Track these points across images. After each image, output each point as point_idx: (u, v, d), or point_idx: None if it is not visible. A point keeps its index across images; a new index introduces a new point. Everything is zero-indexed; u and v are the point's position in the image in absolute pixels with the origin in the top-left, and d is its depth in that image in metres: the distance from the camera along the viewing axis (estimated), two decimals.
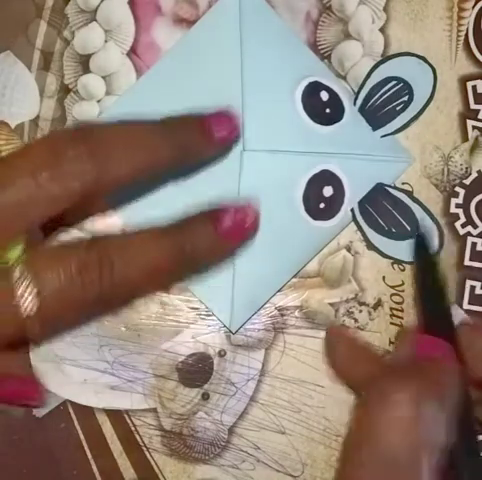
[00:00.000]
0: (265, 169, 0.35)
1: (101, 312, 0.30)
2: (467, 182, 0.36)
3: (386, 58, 0.36)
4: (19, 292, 0.25)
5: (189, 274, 0.30)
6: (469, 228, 0.36)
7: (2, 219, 0.25)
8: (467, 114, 0.36)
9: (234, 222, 0.29)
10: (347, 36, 0.36)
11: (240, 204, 0.30)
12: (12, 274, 0.25)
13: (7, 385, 0.28)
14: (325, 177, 0.36)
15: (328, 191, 0.36)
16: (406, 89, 0.36)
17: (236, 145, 0.34)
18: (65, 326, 0.27)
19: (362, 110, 0.36)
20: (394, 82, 0.36)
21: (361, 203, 0.36)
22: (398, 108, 0.36)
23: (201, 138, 0.30)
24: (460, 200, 0.36)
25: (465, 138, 0.36)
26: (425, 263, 0.32)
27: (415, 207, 0.36)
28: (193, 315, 0.36)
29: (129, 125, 0.28)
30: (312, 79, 0.36)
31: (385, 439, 0.25)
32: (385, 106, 0.36)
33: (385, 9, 0.36)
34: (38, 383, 0.29)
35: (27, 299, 0.25)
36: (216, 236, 0.28)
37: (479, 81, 0.36)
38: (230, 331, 0.36)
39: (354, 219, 0.36)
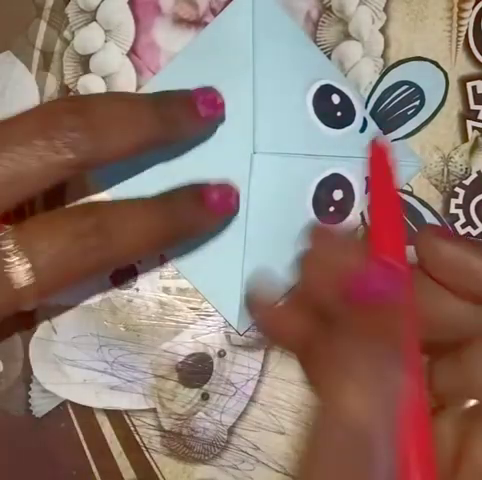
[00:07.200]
0: (275, 172, 0.35)
1: (99, 273, 0.29)
2: (467, 183, 0.36)
3: (398, 62, 0.36)
4: (11, 264, 0.23)
5: (178, 242, 0.31)
6: (469, 229, 0.36)
7: None
8: (467, 115, 0.36)
9: (220, 197, 0.31)
10: (347, 36, 0.36)
11: (222, 182, 0.32)
12: (3, 245, 0.24)
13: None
14: (335, 181, 0.36)
15: (338, 195, 0.36)
16: (417, 94, 0.36)
17: (217, 122, 0.34)
18: (64, 291, 0.26)
19: (373, 114, 0.36)
20: (406, 86, 0.36)
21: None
22: (409, 113, 0.36)
23: (190, 115, 0.30)
24: (460, 201, 0.36)
25: (465, 139, 0.36)
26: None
27: (425, 212, 0.36)
28: (193, 315, 0.36)
29: (124, 100, 0.28)
30: (324, 82, 0.35)
31: (351, 412, 0.20)
32: (396, 110, 0.36)
33: (385, 9, 0.36)
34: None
35: (20, 271, 0.24)
36: (204, 209, 0.30)
37: (479, 81, 0.36)
38: (238, 332, 0.36)
39: (363, 223, 0.36)
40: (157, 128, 0.28)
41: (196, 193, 0.30)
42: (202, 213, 0.30)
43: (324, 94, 0.35)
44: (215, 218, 0.31)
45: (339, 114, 0.36)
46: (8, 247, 0.23)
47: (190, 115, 0.30)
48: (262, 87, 0.35)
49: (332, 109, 0.36)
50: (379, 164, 0.25)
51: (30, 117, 0.26)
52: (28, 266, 0.24)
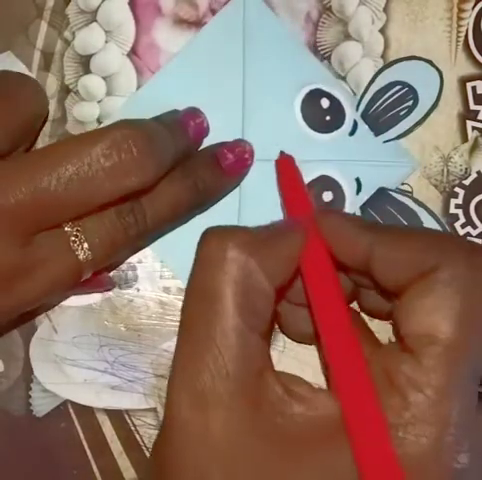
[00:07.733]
0: (265, 178, 0.35)
1: (139, 244, 0.34)
2: (467, 183, 0.36)
3: (391, 62, 0.36)
4: (74, 243, 0.29)
5: (201, 206, 0.34)
6: (469, 228, 0.36)
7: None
8: (467, 115, 0.36)
9: (235, 156, 0.34)
10: (347, 37, 0.36)
11: (236, 140, 0.35)
12: (64, 229, 0.29)
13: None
14: (324, 183, 0.36)
15: (328, 196, 0.36)
16: (411, 94, 0.36)
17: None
18: (112, 261, 0.32)
19: (365, 115, 0.36)
20: (399, 87, 0.36)
21: (364, 208, 0.36)
22: (402, 113, 0.36)
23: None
24: (460, 201, 0.36)
25: (465, 139, 0.36)
26: None
27: (420, 211, 0.36)
28: None
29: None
30: (313, 87, 0.36)
31: (197, 274, 0.27)
32: (389, 111, 0.36)
33: (385, 10, 0.36)
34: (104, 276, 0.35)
35: (81, 250, 0.29)
36: (221, 171, 0.33)
37: (479, 82, 0.36)
38: None
39: None
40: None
41: (212, 159, 0.33)
42: (220, 176, 0.34)
43: (313, 99, 0.36)
44: (233, 178, 0.35)
45: (328, 118, 0.36)
46: (69, 229, 0.29)
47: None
48: (252, 94, 0.36)
49: (321, 114, 0.36)
50: (286, 166, 0.33)
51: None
52: (86, 245, 0.29)
